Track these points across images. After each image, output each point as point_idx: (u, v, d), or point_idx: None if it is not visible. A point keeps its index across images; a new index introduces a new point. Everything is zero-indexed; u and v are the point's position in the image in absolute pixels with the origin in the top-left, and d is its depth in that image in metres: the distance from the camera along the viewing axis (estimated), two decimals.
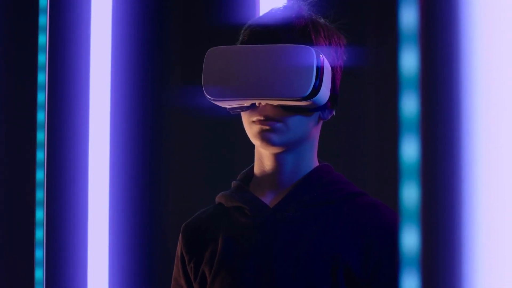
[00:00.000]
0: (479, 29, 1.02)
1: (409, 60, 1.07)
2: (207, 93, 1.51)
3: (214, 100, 1.52)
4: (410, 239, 1.05)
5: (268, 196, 1.58)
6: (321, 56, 1.48)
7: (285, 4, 1.61)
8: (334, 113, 1.60)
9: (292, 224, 1.54)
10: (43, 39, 2.17)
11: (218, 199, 1.64)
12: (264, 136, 1.53)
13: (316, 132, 1.59)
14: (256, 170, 1.61)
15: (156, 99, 2.72)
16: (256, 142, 1.56)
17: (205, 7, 2.68)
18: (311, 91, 1.46)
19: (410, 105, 1.07)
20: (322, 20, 1.59)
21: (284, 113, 1.52)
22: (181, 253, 1.64)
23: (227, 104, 1.54)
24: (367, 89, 2.48)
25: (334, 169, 1.62)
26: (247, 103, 1.53)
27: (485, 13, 1.01)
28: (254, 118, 1.53)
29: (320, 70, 1.47)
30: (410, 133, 1.07)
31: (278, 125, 1.53)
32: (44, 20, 2.18)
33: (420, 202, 1.04)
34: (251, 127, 1.55)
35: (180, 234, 1.66)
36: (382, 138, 2.43)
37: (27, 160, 2.41)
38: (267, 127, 1.52)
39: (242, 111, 1.55)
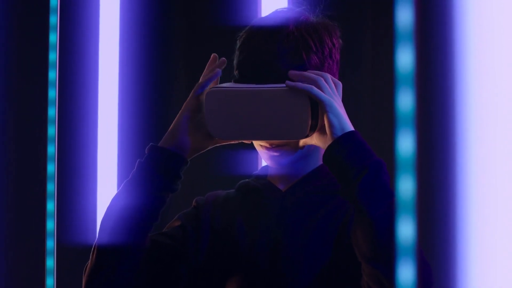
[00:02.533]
0: (472, 27, 1.01)
1: (405, 57, 1.07)
2: (210, 132, 1.53)
3: (219, 138, 1.55)
4: (406, 230, 1.05)
5: (282, 185, 1.63)
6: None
7: (271, 16, 1.60)
8: None
9: (301, 207, 1.59)
10: (54, 38, 2.17)
11: (238, 185, 1.68)
12: (273, 160, 1.58)
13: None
14: (270, 168, 1.66)
15: (162, 95, 2.72)
16: (266, 162, 1.62)
17: (208, 8, 2.68)
18: (308, 131, 1.49)
19: (406, 101, 1.07)
20: (312, 21, 1.57)
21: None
22: (193, 220, 1.65)
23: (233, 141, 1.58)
24: (364, 85, 2.48)
25: None
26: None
27: (478, 12, 1.01)
28: (262, 143, 1.58)
29: (315, 108, 1.49)
30: (406, 128, 1.06)
31: (286, 148, 1.57)
32: (54, 19, 2.18)
33: (416, 194, 1.04)
34: (259, 150, 1.60)
35: (196, 203, 1.68)
36: (379, 132, 2.42)
37: (39, 154, 2.41)
38: (276, 154, 1.57)
39: None
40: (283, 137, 1.51)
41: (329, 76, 1.52)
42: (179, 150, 1.55)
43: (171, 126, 1.57)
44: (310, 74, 1.50)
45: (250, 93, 1.50)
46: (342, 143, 1.45)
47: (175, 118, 1.57)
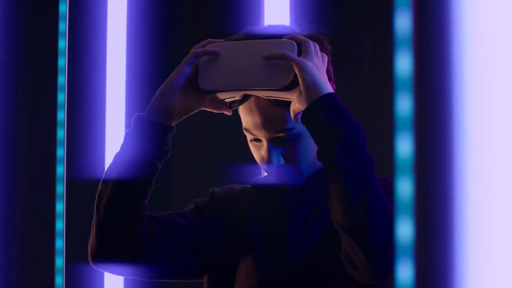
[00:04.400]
0: (469, 33, 1.01)
1: (404, 63, 1.07)
2: (200, 84, 1.51)
3: (206, 91, 1.52)
4: (404, 230, 1.04)
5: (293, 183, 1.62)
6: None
7: (257, 31, 1.60)
8: None
9: (308, 202, 1.58)
10: (63, 43, 2.17)
11: (253, 180, 1.68)
12: (286, 182, 1.58)
13: None
14: None
15: None
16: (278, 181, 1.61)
17: (212, 19, 2.68)
18: (291, 80, 1.46)
19: (404, 105, 1.07)
20: (303, 34, 1.57)
21: (295, 161, 1.55)
22: (208, 209, 1.65)
23: (220, 96, 1.54)
24: (364, 90, 2.48)
25: None
26: (237, 96, 1.53)
27: (475, 19, 1.01)
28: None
29: None
30: (405, 131, 1.06)
31: (296, 172, 1.57)
32: (63, 26, 2.18)
33: (414, 195, 1.04)
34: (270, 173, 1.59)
35: (212, 193, 1.68)
36: (379, 135, 2.42)
37: (48, 156, 2.41)
38: (287, 177, 1.57)
39: (237, 105, 1.55)
40: (266, 86, 1.48)
41: (317, 45, 1.50)
42: (165, 119, 1.52)
43: (159, 90, 1.54)
44: (300, 36, 1.49)
45: (240, 45, 1.50)
46: (318, 106, 1.42)
47: (164, 82, 1.54)
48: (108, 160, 2.47)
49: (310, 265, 1.54)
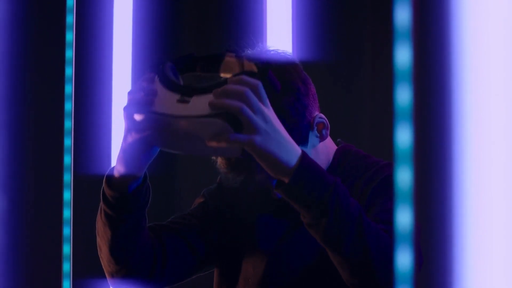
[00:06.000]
0: (468, 25, 1.01)
1: (403, 55, 1.06)
2: (154, 143, 1.39)
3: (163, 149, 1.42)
4: (404, 218, 1.04)
5: None
6: None
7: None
8: (328, 129, 1.53)
9: None
10: (70, 36, 2.17)
11: None
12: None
13: (321, 149, 1.55)
14: None
15: None
16: None
17: (215, 22, 2.68)
18: (242, 152, 1.30)
19: (404, 96, 1.06)
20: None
21: None
22: (216, 198, 1.64)
23: None
24: (365, 81, 2.47)
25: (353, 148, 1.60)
26: None
27: (474, 10, 1.01)
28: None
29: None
30: (404, 121, 1.06)
31: None
32: (71, 19, 2.18)
33: (413, 184, 1.03)
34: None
35: (220, 180, 1.66)
36: (379, 126, 2.42)
37: (56, 146, 2.41)
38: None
39: None
40: (219, 155, 1.43)
41: (255, 88, 1.27)
42: (135, 171, 1.40)
43: (120, 150, 1.42)
44: (229, 103, 1.25)
45: (174, 123, 1.31)
46: (292, 184, 1.28)
47: (122, 144, 1.42)
48: (114, 151, 2.47)
49: (317, 256, 1.54)
